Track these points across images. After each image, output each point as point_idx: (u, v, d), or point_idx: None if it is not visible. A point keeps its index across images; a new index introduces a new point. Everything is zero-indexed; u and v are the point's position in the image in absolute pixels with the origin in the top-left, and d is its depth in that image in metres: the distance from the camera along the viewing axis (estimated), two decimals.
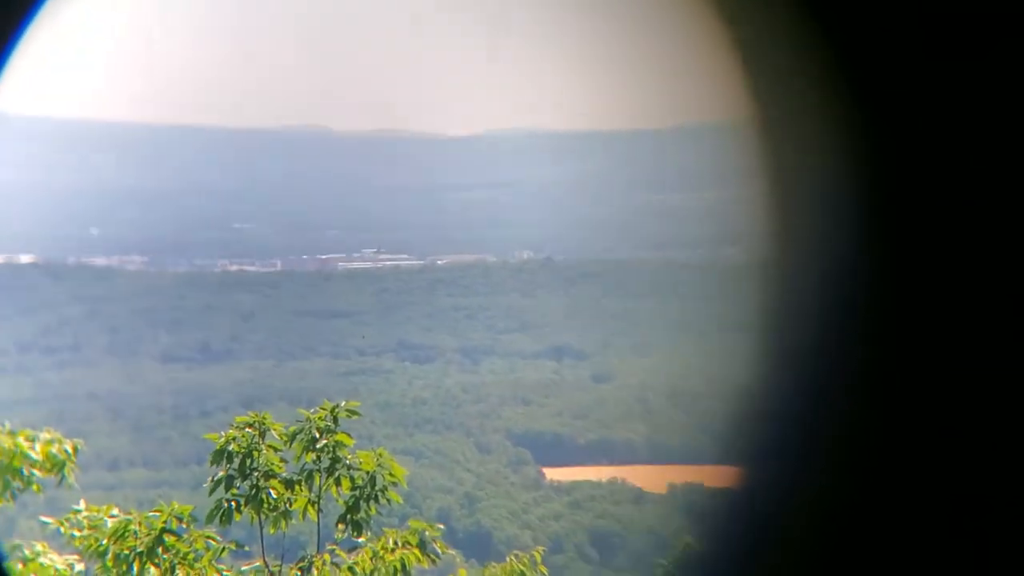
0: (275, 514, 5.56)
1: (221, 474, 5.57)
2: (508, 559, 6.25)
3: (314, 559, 5.53)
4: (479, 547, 22.94)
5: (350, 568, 5.50)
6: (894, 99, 1.68)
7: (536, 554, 6.29)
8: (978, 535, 1.64)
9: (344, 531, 5.62)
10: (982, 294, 1.69)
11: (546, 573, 6.43)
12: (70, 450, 6.24)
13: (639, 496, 30.29)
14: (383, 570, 5.47)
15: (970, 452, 1.67)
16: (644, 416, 34.66)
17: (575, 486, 31.32)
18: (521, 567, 6.19)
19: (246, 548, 5.73)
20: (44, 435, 6.22)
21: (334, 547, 5.60)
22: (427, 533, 5.64)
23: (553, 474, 32.55)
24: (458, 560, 6.20)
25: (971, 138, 1.68)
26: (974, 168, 1.68)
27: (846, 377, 1.76)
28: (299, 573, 5.54)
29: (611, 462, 32.65)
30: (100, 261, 46.30)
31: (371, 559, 5.49)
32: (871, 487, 1.71)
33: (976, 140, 1.68)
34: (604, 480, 31.61)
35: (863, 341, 1.75)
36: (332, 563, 5.55)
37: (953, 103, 1.68)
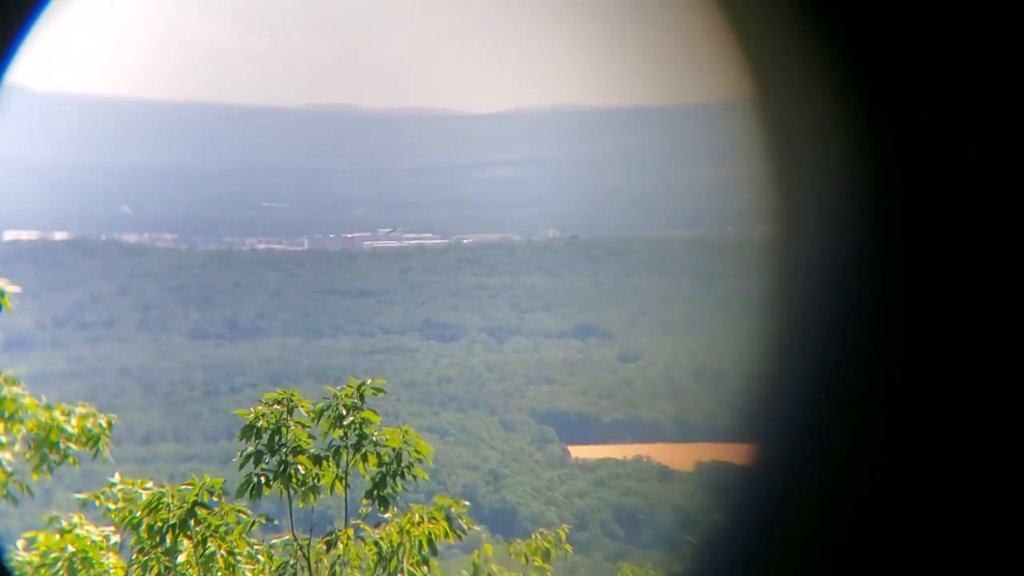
0: (304, 489, 5.65)
1: (250, 449, 5.66)
2: (533, 536, 6.30)
3: (339, 533, 5.62)
4: (504, 523, 23.11)
5: (375, 542, 5.59)
6: (895, 85, 1.68)
7: (561, 532, 6.34)
8: (986, 519, 1.65)
9: (369, 506, 5.70)
10: (986, 281, 1.68)
11: (571, 550, 6.47)
12: (104, 424, 6.36)
13: (665, 474, 30.27)
14: (408, 544, 5.54)
15: (977, 438, 1.67)
16: (671, 395, 34.56)
17: (600, 464, 31.37)
18: (546, 544, 6.23)
19: (276, 522, 5.84)
20: (79, 409, 6.35)
21: (358, 522, 5.68)
22: (453, 509, 5.70)
23: (578, 452, 32.62)
24: (484, 536, 6.27)
25: (972, 124, 1.67)
26: (975, 154, 1.67)
27: (855, 358, 1.77)
28: (325, 547, 5.63)
29: (637, 440, 32.63)
30: (131, 239, 46.88)
31: (397, 533, 5.56)
32: (883, 469, 1.72)
33: (977, 126, 1.67)
34: (630, 458, 31.61)
35: (870, 326, 1.75)
36: (357, 537, 5.63)
37: (954, 89, 1.67)
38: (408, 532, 5.57)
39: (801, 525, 1.79)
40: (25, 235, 43.41)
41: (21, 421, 6.11)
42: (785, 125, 1.89)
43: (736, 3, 1.89)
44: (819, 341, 1.84)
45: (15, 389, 6.14)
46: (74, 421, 6.26)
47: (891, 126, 1.69)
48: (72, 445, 6.23)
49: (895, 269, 1.72)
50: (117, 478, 5.80)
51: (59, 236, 44.44)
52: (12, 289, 6.06)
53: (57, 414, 6.23)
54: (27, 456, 6.16)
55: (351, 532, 5.63)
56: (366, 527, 5.70)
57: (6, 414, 6.07)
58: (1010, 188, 1.66)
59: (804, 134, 1.86)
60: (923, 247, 1.69)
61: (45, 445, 6.15)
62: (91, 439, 6.28)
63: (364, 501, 5.73)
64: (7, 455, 6.04)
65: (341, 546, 5.62)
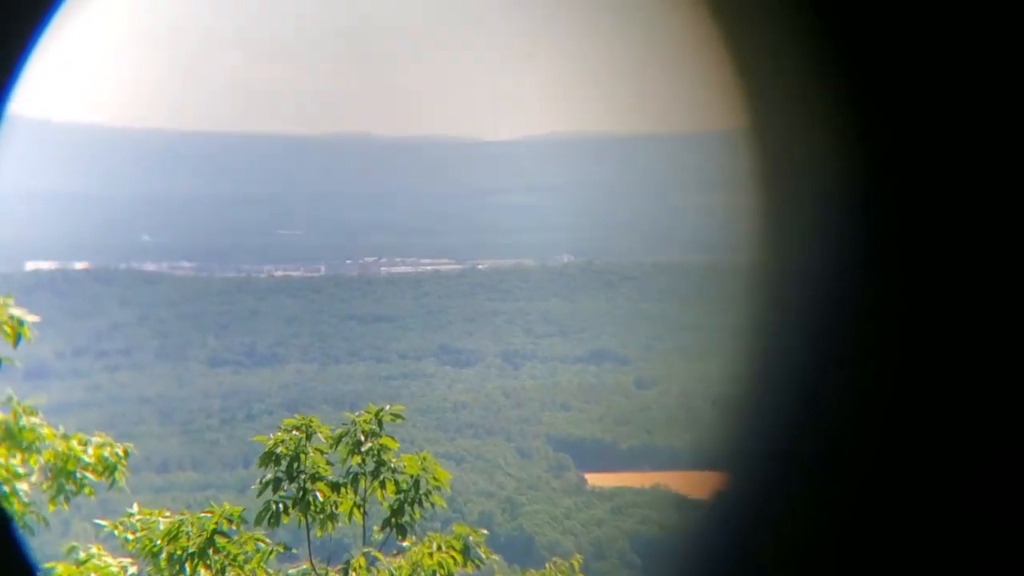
0: (322, 516, 5.60)
1: (269, 476, 5.63)
2: (547, 566, 6.21)
3: (351, 562, 5.56)
4: (521, 552, 22.88)
5: (390, 572, 5.52)
6: (892, 106, 1.67)
7: (575, 562, 6.24)
8: (971, 539, 1.61)
9: (383, 533, 5.65)
10: (978, 297, 1.66)
11: None
12: (121, 453, 6.36)
13: (682, 502, 29.88)
14: (422, 574, 5.47)
15: (965, 454, 1.64)
16: (687, 421, 34.29)
17: (617, 492, 31.07)
18: (560, 574, 6.14)
19: (294, 551, 5.79)
20: (96, 439, 6.35)
21: (369, 549, 5.62)
22: (471, 538, 5.64)
23: (595, 480, 32.33)
24: (500, 565, 6.17)
25: (969, 147, 1.65)
26: (972, 176, 1.65)
27: (843, 380, 1.75)
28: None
29: (653, 468, 32.32)
30: (150, 267, 47.29)
31: (410, 565, 5.50)
32: (868, 489, 1.69)
33: (975, 148, 1.65)
34: (647, 486, 31.29)
35: (859, 346, 1.73)
36: (371, 566, 5.57)
37: (951, 111, 1.65)
38: (420, 563, 5.51)
39: (786, 538, 1.75)
40: (45, 264, 43.87)
41: (38, 451, 6.12)
42: (785, 152, 1.88)
43: (736, 31, 1.90)
44: (816, 363, 1.82)
45: (33, 419, 6.14)
46: (91, 450, 6.25)
47: (890, 148, 1.68)
48: (89, 475, 6.22)
49: (896, 291, 1.70)
50: (136, 508, 5.78)
51: (79, 265, 44.87)
52: (31, 319, 6.10)
53: (74, 443, 6.23)
54: (44, 486, 6.15)
55: (363, 560, 5.57)
56: (378, 555, 5.65)
57: (24, 444, 6.08)
58: (1008, 206, 1.64)
59: (803, 161, 1.85)
60: (924, 270, 1.68)
61: (62, 475, 6.14)
62: (107, 468, 6.27)
63: (376, 529, 5.68)
64: (24, 486, 6.04)
65: (353, 575, 5.56)
